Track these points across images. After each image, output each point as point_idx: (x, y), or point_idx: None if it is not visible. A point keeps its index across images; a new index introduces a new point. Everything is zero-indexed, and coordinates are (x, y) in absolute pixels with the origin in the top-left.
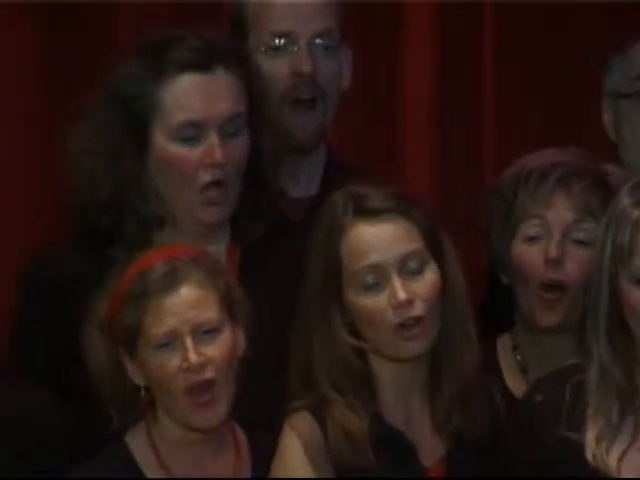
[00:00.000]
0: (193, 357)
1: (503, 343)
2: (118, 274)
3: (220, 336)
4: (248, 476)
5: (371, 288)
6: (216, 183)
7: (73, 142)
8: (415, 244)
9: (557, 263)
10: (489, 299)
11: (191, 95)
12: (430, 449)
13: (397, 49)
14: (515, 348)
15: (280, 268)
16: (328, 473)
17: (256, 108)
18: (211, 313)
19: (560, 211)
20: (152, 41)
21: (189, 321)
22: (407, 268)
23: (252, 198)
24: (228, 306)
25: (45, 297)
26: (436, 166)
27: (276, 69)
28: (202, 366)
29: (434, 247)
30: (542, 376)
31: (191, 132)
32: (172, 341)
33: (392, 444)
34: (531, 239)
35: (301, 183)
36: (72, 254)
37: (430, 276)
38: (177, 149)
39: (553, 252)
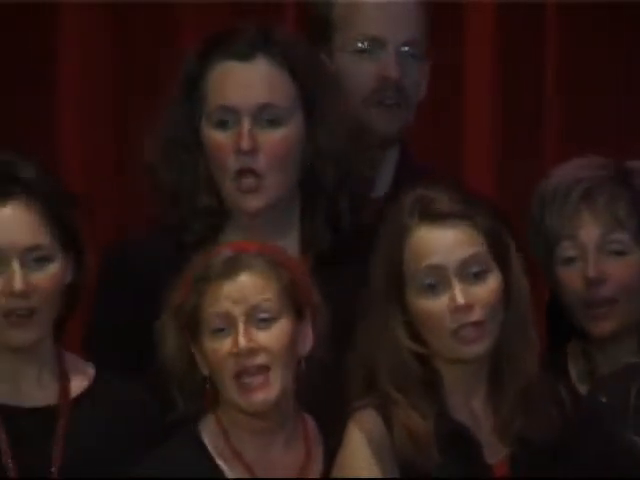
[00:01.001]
0: (242, 342)
1: (572, 348)
2: (188, 270)
3: (276, 325)
4: (318, 470)
5: (430, 290)
6: (247, 171)
7: (145, 136)
8: (477, 249)
9: (598, 281)
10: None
11: (227, 81)
12: (493, 448)
13: (459, 49)
14: (584, 353)
15: (351, 270)
16: (392, 470)
17: (314, 103)
18: (267, 301)
19: (589, 229)
20: (211, 35)
21: (244, 307)
22: (468, 273)
23: (319, 203)
24: (291, 299)
25: (124, 284)
26: (498, 168)
27: (362, 71)
28: (252, 351)
29: (498, 252)
30: (603, 375)
31: (225, 118)
32: (227, 326)
33: (457, 440)
34: (568, 260)
35: (372, 182)
36: (149, 242)
37: (491, 282)
38: (214, 134)
39: (591, 272)
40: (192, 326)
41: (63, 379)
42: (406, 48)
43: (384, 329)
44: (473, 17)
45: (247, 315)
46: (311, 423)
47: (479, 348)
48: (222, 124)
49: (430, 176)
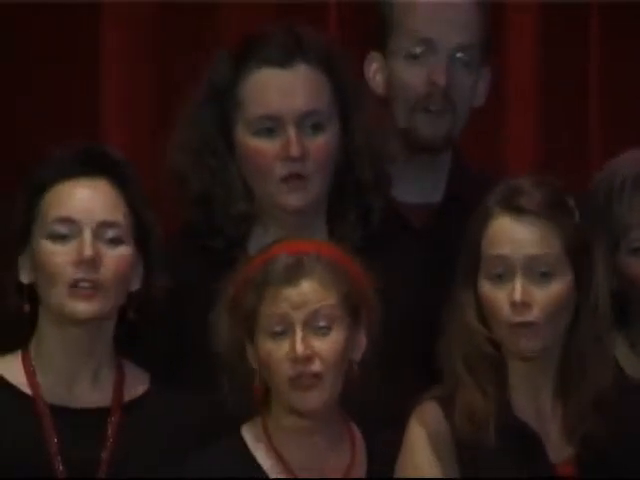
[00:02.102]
0: (300, 348)
1: (619, 340)
2: (248, 259)
3: (333, 332)
4: (362, 473)
5: (497, 280)
6: (295, 176)
7: (171, 139)
8: (549, 250)
9: None
10: None
11: (268, 89)
12: (558, 448)
13: (501, 49)
14: (632, 346)
15: (402, 272)
16: (451, 464)
17: (348, 107)
18: (327, 308)
19: None
20: (244, 38)
21: (303, 313)
22: (534, 271)
23: (349, 203)
24: (349, 305)
25: None
26: (541, 170)
27: (413, 76)
28: (309, 359)
29: (576, 256)
30: None
31: (268, 125)
32: (285, 330)
33: (518, 435)
34: (636, 250)
35: (423, 189)
36: (176, 246)
37: (556, 286)
38: (256, 142)
39: None
40: (248, 324)
41: (118, 383)
42: (459, 54)
43: (459, 311)
44: (515, 17)
45: (306, 321)
46: (355, 428)
47: (531, 345)
48: (265, 131)
49: (485, 182)
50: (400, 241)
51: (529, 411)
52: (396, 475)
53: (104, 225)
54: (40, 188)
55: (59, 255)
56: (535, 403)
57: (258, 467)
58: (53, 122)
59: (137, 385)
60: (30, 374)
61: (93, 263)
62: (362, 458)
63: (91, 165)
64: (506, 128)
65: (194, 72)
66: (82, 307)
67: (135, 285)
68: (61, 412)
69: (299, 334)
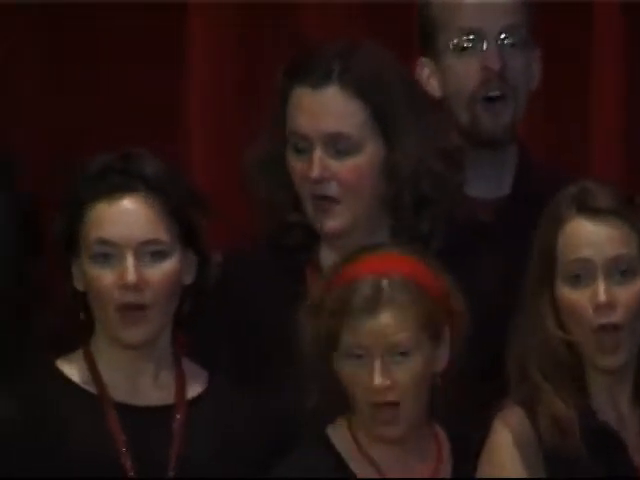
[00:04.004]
0: (378, 380)
1: None
2: (335, 268)
3: (412, 359)
4: (448, 476)
5: (577, 283)
6: (323, 198)
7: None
8: (628, 249)
9: None
10: None
11: (300, 109)
12: (637, 451)
13: (584, 50)
14: None
15: (469, 267)
16: (538, 468)
17: (390, 126)
18: (406, 338)
19: None
20: (297, 54)
21: (382, 344)
22: (615, 271)
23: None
24: (429, 328)
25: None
26: (625, 169)
27: (466, 68)
28: (387, 389)
29: None
30: None
31: (300, 144)
32: (364, 355)
33: (603, 439)
34: None
35: (490, 183)
36: (250, 249)
37: (636, 284)
38: (292, 158)
39: None
40: (328, 345)
41: (180, 380)
42: (505, 36)
43: (535, 316)
44: (600, 17)
45: (384, 351)
46: (440, 431)
47: (616, 360)
48: (298, 150)
49: (553, 178)
50: (471, 236)
51: (610, 415)
52: (479, 476)
53: (146, 244)
54: (80, 205)
55: (104, 278)
56: (615, 408)
57: (346, 468)
58: (137, 122)
59: (197, 383)
60: (94, 372)
61: (137, 287)
62: (448, 459)
63: (128, 179)
64: (590, 128)
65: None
66: (132, 333)
67: (188, 280)
68: (126, 410)
69: (378, 365)
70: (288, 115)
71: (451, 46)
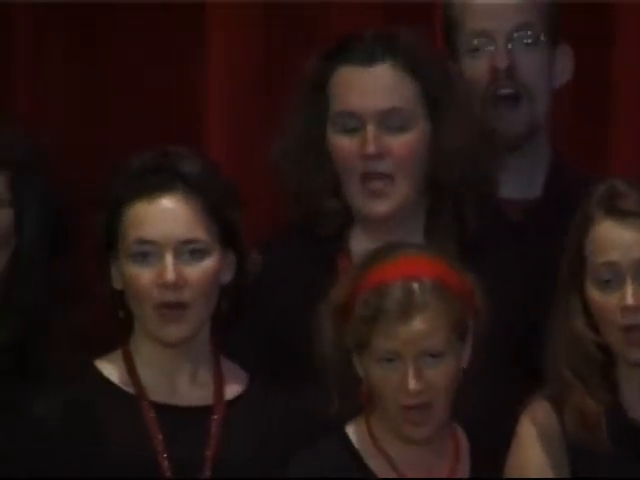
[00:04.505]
0: (412, 384)
1: None
2: (360, 269)
3: (444, 361)
4: (465, 473)
5: (605, 285)
6: (374, 175)
7: (276, 135)
8: None
9: None
10: None
11: (350, 87)
12: None
13: (607, 47)
14: None
15: (499, 268)
16: (563, 463)
17: (438, 107)
18: (438, 342)
19: None
20: (337, 38)
21: (414, 348)
22: None
23: (446, 204)
24: (459, 329)
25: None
26: None
27: (476, 69)
28: (420, 392)
29: None
30: None
31: (350, 123)
32: (396, 359)
33: (632, 436)
34: None
35: (521, 184)
36: (280, 242)
37: None
38: (339, 139)
39: None
40: (356, 345)
41: (219, 380)
42: (517, 34)
43: (565, 316)
44: (623, 18)
45: (417, 356)
46: (460, 431)
47: None
48: (347, 129)
49: (584, 180)
50: (498, 236)
51: None
52: (506, 470)
53: (185, 243)
54: (119, 205)
55: (143, 277)
56: None
57: (365, 466)
58: (157, 123)
59: (237, 383)
60: (132, 373)
61: (176, 286)
62: (466, 458)
63: (166, 178)
64: (611, 129)
65: (297, 72)
66: (171, 331)
67: (226, 278)
68: (164, 410)
69: (411, 370)
70: (332, 96)
71: (465, 47)
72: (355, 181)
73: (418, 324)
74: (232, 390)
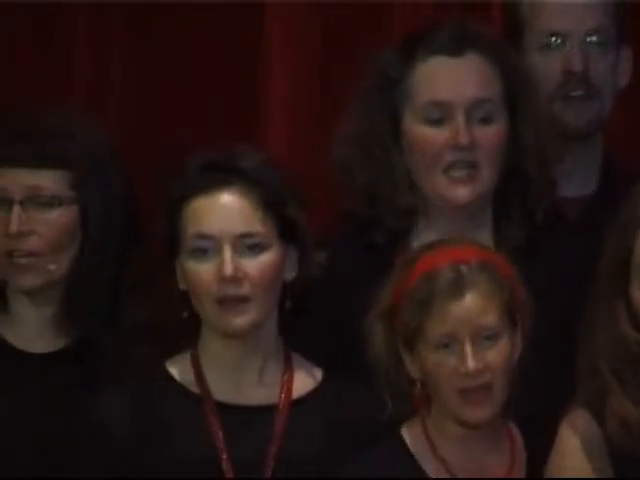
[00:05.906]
0: (472, 364)
1: None
2: (405, 266)
3: (499, 342)
4: (522, 474)
5: None
6: (462, 163)
7: (338, 131)
8: None
9: None
10: None
11: (438, 76)
12: None
13: None
14: None
15: (556, 266)
16: (606, 470)
17: (517, 101)
18: (492, 320)
19: None
20: (413, 32)
21: (470, 328)
22: None
23: (515, 201)
24: (510, 312)
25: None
26: None
27: (548, 67)
28: (480, 372)
29: None
30: None
31: (436, 113)
32: (451, 343)
33: None
34: None
35: (576, 182)
36: (341, 242)
37: None
38: (423, 130)
39: None
40: (408, 336)
41: (287, 378)
42: (591, 38)
43: (609, 316)
44: None
45: (473, 335)
46: (515, 430)
47: None
48: (434, 119)
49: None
50: (557, 234)
51: None
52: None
53: (243, 237)
54: (178, 203)
55: (202, 273)
56: None
57: (419, 468)
58: (214, 121)
59: (306, 380)
60: (198, 373)
61: (235, 279)
62: (522, 458)
63: (224, 173)
64: None
65: (354, 72)
66: (234, 323)
67: (290, 275)
68: (228, 410)
69: (469, 349)
70: (414, 88)
71: (536, 44)
72: (439, 171)
73: (470, 302)
74: (302, 388)
